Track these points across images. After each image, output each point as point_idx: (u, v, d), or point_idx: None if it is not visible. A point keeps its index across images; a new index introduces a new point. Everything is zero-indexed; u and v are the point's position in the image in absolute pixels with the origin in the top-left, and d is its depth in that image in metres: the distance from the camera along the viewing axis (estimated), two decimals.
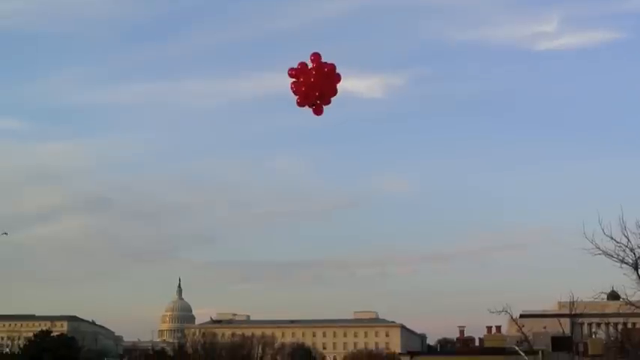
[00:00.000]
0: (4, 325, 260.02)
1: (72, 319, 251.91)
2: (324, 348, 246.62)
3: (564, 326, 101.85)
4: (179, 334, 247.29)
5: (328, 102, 15.05)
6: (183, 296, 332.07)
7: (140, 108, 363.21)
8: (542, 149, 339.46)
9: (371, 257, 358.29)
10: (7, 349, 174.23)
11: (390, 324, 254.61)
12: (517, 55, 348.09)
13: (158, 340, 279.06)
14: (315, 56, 14.71)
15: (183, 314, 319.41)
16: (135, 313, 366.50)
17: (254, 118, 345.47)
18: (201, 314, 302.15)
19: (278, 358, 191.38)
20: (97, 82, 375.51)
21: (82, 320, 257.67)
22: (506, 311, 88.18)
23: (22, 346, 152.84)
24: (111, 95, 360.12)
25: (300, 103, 14.76)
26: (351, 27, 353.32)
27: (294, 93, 14.69)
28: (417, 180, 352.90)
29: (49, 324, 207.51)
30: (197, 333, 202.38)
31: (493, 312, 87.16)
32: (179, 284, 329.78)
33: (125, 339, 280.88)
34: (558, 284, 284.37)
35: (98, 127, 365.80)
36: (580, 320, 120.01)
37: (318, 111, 15.00)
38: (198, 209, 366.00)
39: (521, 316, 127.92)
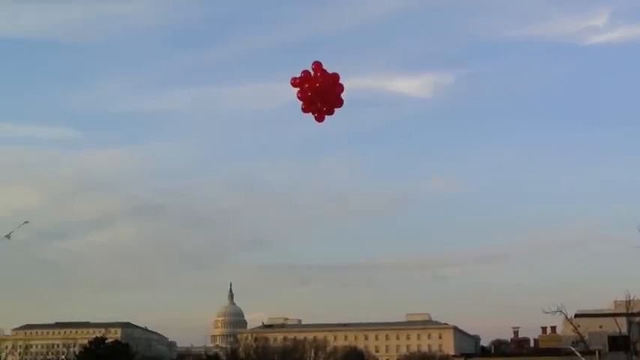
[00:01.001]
0: (59, 333, 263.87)
1: (125, 325, 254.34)
2: (377, 351, 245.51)
3: (621, 326, 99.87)
4: (231, 339, 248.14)
5: (332, 112, 14.92)
6: (234, 301, 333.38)
7: (189, 113, 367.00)
8: (594, 145, 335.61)
9: (423, 258, 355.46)
10: (63, 356, 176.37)
11: (443, 326, 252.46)
12: (567, 50, 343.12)
13: (211, 345, 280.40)
14: (317, 65, 14.65)
15: (235, 319, 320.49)
16: (187, 318, 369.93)
17: (303, 120, 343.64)
18: (253, 319, 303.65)
19: None
20: (146, 89, 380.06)
21: (136, 327, 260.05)
22: (561, 311, 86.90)
23: (77, 352, 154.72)
24: (160, 102, 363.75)
25: (306, 110, 14.72)
26: (397, 27, 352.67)
27: (300, 99, 14.64)
28: (468, 179, 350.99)
29: (103, 331, 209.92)
30: (249, 337, 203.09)
31: (547, 312, 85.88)
32: (230, 289, 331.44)
33: (178, 344, 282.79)
34: (614, 282, 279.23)
35: (148, 133, 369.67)
36: (637, 319, 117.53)
37: (321, 118, 14.84)
38: (248, 213, 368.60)
39: (576, 315, 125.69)
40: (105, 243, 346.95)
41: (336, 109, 15.14)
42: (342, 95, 15.06)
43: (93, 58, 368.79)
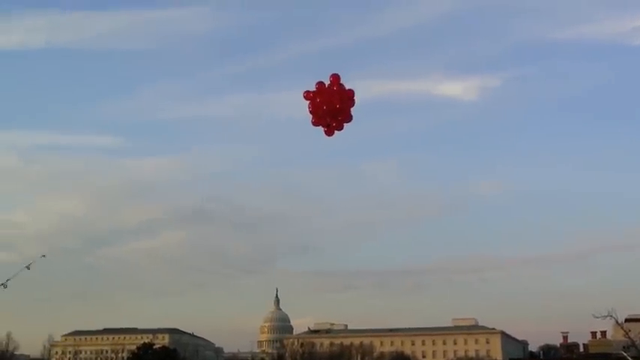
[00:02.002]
0: (108, 339, 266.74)
1: (173, 331, 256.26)
2: (424, 356, 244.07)
3: None
4: (278, 345, 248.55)
5: (342, 127, 14.69)
6: (280, 306, 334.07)
7: (234, 120, 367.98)
8: None
9: (469, 263, 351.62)
10: None
11: (491, 330, 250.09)
12: (614, 51, 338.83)
13: (257, 350, 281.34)
14: (335, 78, 14.38)
15: (281, 324, 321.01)
16: (234, 324, 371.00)
17: (348, 125, 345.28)
18: (299, 324, 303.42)
19: None
20: (191, 96, 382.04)
21: (183, 332, 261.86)
22: (611, 315, 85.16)
23: (125, 358, 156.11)
24: (205, 108, 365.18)
25: (315, 123, 14.46)
26: (444, 30, 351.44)
27: (312, 112, 14.41)
28: (515, 182, 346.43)
29: (151, 337, 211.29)
30: (296, 343, 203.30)
31: (598, 317, 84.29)
32: (277, 294, 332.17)
33: (225, 350, 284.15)
34: None
35: (193, 140, 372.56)
36: None
37: (330, 132, 14.61)
38: (294, 219, 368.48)
39: (627, 320, 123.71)
40: (152, 249, 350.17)
41: (345, 124, 14.89)
42: (353, 108, 14.81)
43: (138, 66, 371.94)
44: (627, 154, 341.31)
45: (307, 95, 14.45)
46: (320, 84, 14.43)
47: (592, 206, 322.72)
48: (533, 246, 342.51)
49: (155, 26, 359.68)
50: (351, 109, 14.76)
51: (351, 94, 14.55)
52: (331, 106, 14.35)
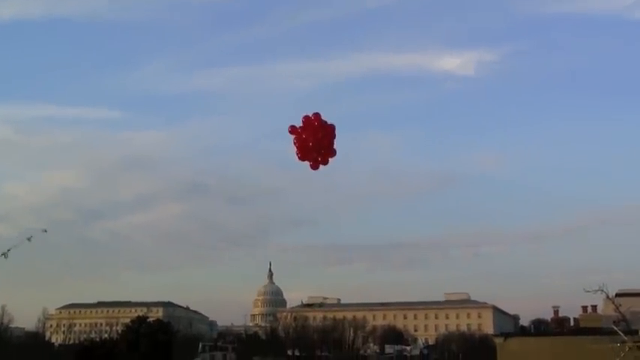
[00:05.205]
0: (102, 312, 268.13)
1: (167, 304, 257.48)
2: (416, 330, 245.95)
3: None
4: (271, 318, 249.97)
5: (327, 162, 15.14)
6: (274, 280, 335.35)
7: (231, 93, 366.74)
8: None
9: (464, 238, 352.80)
10: (106, 335, 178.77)
11: (482, 305, 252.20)
12: (613, 24, 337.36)
13: (251, 324, 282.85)
14: (316, 116, 14.81)
15: (275, 298, 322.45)
16: (228, 297, 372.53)
17: (345, 98, 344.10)
18: (292, 298, 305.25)
19: (370, 340, 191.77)
20: (189, 69, 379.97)
21: (177, 306, 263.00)
22: (602, 290, 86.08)
23: (120, 331, 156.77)
24: (203, 81, 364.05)
25: (302, 158, 14.85)
26: (441, 4, 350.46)
27: (298, 148, 14.77)
28: (511, 157, 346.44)
29: (145, 310, 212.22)
30: (289, 317, 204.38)
31: (589, 291, 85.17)
32: (270, 268, 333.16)
33: (219, 323, 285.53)
34: None
35: (191, 113, 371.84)
36: None
37: (315, 166, 15.04)
38: (289, 193, 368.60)
39: (618, 295, 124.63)
40: (148, 223, 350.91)
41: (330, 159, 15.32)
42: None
43: (136, 38, 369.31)
44: (624, 129, 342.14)
45: (293, 130, 14.87)
46: (306, 117, 14.87)
47: (586, 182, 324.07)
48: (527, 221, 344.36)
49: None
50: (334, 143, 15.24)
51: (334, 128, 15.03)
52: (320, 143, 14.82)
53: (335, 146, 15.09)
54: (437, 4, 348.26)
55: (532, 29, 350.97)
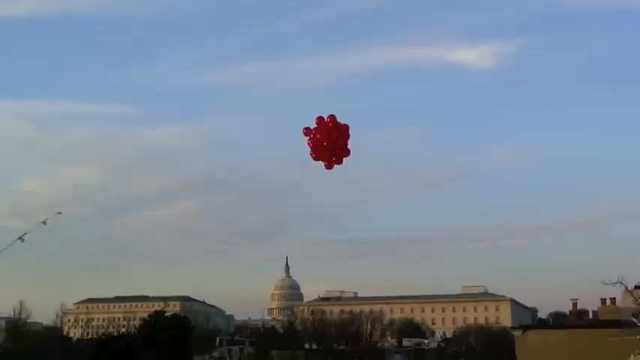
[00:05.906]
0: (120, 307, 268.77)
1: (184, 299, 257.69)
2: (433, 323, 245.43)
3: None
4: (288, 312, 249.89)
5: (341, 162, 15.02)
6: (291, 274, 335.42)
7: (248, 88, 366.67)
8: None
9: (480, 231, 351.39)
10: (124, 329, 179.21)
11: (500, 298, 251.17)
12: (632, 15, 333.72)
13: (268, 318, 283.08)
14: (331, 117, 14.71)
15: (292, 292, 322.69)
16: (245, 292, 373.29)
17: (362, 93, 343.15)
18: (309, 292, 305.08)
19: (387, 334, 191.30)
20: (206, 64, 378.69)
21: (194, 300, 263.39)
22: (621, 282, 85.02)
23: (137, 326, 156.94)
24: (219, 77, 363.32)
25: (316, 158, 14.76)
26: None
27: (312, 148, 14.65)
28: (529, 150, 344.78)
29: (162, 304, 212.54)
30: (306, 310, 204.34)
31: (607, 284, 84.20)
32: (287, 262, 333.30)
33: (236, 318, 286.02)
34: None
35: (208, 108, 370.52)
36: None
37: (330, 166, 14.89)
38: (306, 187, 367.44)
39: (637, 287, 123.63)
40: (165, 218, 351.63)
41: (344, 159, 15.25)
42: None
43: (151, 34, 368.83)
44: None
45: (307, 131, 14.82)
46: (320, 118, 14.81)
47: (605, 174, 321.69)
48: (545, 214, 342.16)
49: None
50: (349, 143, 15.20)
51: (347, 128, 14.96)
52: (334, 143, 14.78)
53: (349, 146, 15.18)
54: None
55: (550, 21, 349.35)
